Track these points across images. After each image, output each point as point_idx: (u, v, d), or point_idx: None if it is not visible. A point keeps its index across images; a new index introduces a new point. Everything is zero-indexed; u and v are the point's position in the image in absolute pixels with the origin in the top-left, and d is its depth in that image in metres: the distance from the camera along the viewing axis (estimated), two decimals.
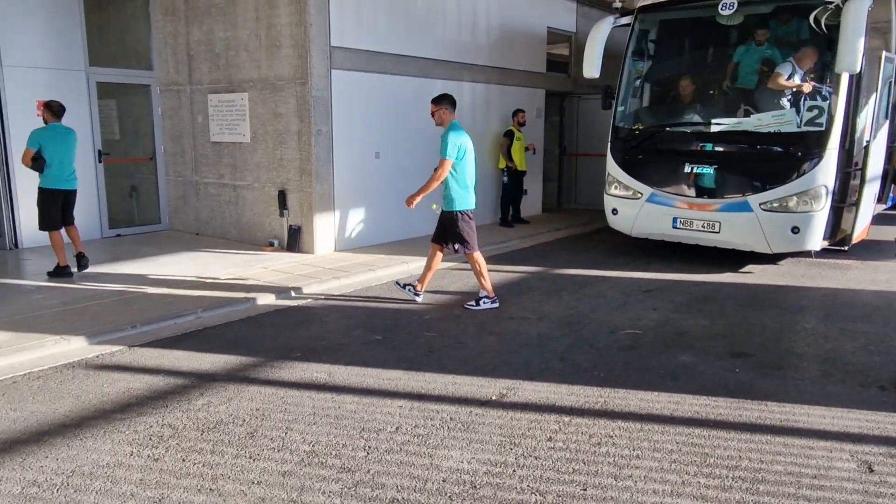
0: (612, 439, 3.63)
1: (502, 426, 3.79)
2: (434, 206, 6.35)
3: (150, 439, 3.60)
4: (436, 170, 5.99)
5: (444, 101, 6.11)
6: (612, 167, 8.57)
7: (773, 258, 8.33)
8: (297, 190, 8.38)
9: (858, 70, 6.75)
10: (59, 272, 6.94)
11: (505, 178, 10.87)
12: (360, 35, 8.53)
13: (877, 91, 7.71)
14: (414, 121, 9.18)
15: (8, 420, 3.84)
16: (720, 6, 7.69)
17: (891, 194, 10.33)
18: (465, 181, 6.06)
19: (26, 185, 7.57)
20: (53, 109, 6.91)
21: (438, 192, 6.21)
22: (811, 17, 7.26)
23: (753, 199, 7.44)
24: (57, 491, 3.09)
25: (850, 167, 7.46)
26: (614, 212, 8.65)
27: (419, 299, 6.41)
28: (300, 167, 8.29)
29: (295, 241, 8.45)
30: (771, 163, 7.53)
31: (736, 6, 7.61)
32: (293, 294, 6.61)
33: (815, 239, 7.34)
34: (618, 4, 12.29)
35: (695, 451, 3.50)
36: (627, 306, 6.34)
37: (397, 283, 6.65)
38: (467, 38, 10.27)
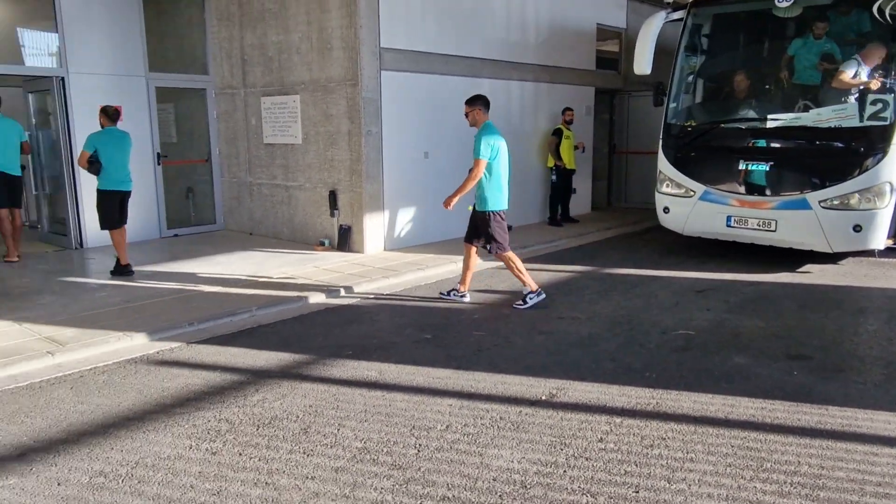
0: (665, 441, 3.58)
1: (552, 426, 3.77)
2: (470, 208, 6.36)
3: (209, 433, 3.71)
4: (471, 170, 6.01)
5: (478, 102, 6.13)
6: (664, 165, 8.42)
7: (832, 258, 8.05)
8: (348, 190, 8.50)
9: None
10: (121, 270, 7.21)
11: (554, 177, 10.80)
12: (409, 36, 8.60)
13: None
14: (463, 120, 9.01)
15: (76, 413, 4.02)
16: None
17: None
18: (498, 181, 6.05)
19: (90, 188, 7.88)
20: (109, 114, 7.15)
21: (472, 193, 6.22)
22: (874, 8, 7.01)
23: (812, 197, 7.23)
24: (122, 481, 3.22)
25: None
26: (666, 210, 8.50)
27: (466, 299, 6.43)
28: (350, 167, 8.40)
29: (345, 240, 8.57)
30: (831, 159, 7.29)
31: None
32: (344, 293, 6.72)
33: (879, 237, 7.09)
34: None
35: (751, 455, 3.42)
36: (680, 306, 6.23)
37: (441, 293, 6.61)
38: (515, 37, 10.24)
